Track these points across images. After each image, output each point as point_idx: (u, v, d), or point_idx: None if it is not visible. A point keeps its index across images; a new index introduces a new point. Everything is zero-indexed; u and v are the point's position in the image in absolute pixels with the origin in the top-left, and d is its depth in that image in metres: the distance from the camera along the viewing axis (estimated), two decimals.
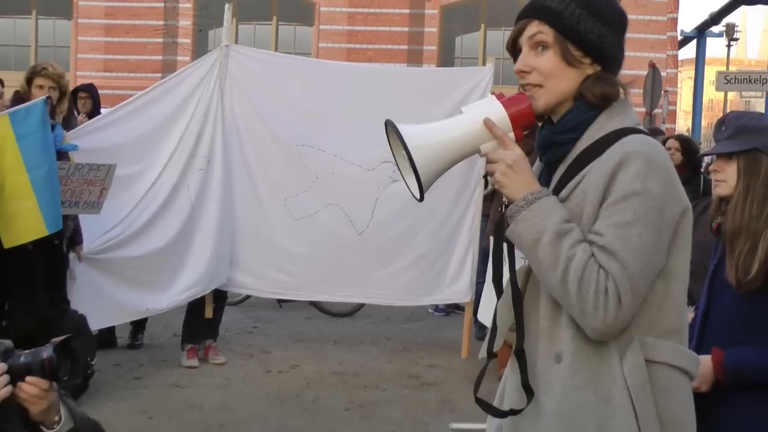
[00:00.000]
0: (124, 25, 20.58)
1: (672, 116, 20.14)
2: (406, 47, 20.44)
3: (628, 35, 1.80)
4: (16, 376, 1.96)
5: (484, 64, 7.13)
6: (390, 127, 1.68)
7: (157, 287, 5.80)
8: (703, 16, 24.18)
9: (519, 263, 1.77)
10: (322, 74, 6.59)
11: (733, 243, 2.30)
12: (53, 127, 4.90)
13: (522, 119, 1.71)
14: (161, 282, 5.81)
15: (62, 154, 5.06)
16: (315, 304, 7.53)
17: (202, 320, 6.02)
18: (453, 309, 7.81)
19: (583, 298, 1.59)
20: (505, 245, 1.76)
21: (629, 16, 1.82)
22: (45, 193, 4.65)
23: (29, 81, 5.13)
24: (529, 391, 1.70)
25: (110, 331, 6.22)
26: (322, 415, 5.00)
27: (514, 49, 1.80)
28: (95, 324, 5.28)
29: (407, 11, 20.53)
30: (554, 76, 1.72)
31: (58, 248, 5.17)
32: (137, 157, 5.75)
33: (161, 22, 19.76)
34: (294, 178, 6.18)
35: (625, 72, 1.80)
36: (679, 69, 23.74)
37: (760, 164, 2.31)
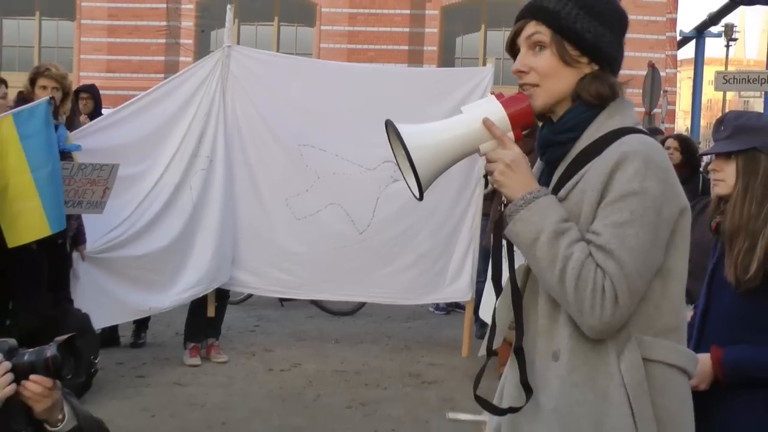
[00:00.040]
0: (127, 26, 20.61)
1: (671, 116, 20.13)
2: (406, 48, 20.45)
3: (628, 35, 1.81)
4: (20, 374, 1.97)
5: (484, 64, 7.15)
6: (390, 127, 1.69)
7: (160, 286, 5.82)
8: (702, 17, 24.16)
9: (519, 262, 1.78)
10: (324, 75, 6.62)
11: (731, 242, 2.30)
12: (56, 128, 4.94)
13: (521, 119, 1.71)
14: (164, 281, 5.83)
15: (65, 154, 5.10)
16: (316, 303, 7.55)
17: (205, 319, 6.04)
18: (454, 308, 7.82)
19: (581, 297, 1.60)
20: (504, 244, 1.77)
21: (628, 17, 1.83)
22: (48, 193, 4.67)
23: (33, 82, 5.14)
24: (527, 388, 1.70)
25: (113, 329, 6.24)
26: (323, 413, 5.01)
27: (513, 49, 1.81)
28: (98, 323, 5.30)
29: (408, 12, 20.55)
30: (552, 75, 1.73)
31: (61, 248, 5.19)
32: (140, 157, 5.78)
33: (163, 23, 19.79)
34: (295, 178, 6.20)
35: (625, 72, 1.81)
36: (678, 69, 23.71)
37: (758, 163, 2.31)
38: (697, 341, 2.37)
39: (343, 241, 6.23)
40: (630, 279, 1.59)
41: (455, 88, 6.16)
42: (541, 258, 1.63)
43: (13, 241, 4.61)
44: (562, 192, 1.71)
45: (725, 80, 12.99)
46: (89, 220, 5.44)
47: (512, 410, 1.74)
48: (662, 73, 16.03)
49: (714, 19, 22.10)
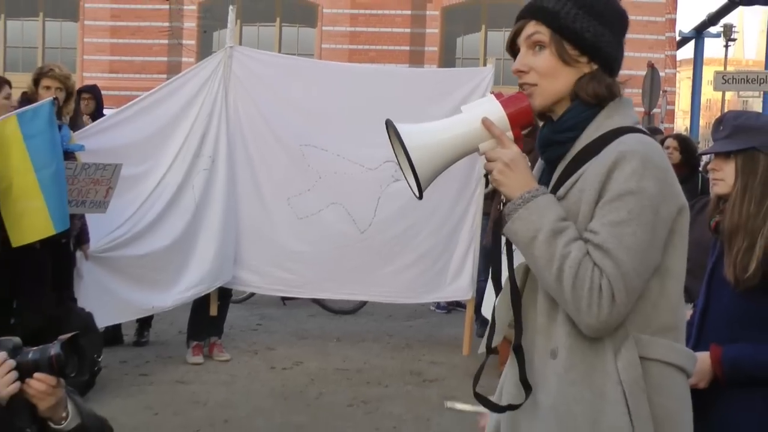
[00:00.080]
0: (130, 27, 20.65)
1: (670, 116, 20.15)
2: (407, 48, 20.46)
3: (627, 36, 1.81)
4: (24, 372, 1.98)
5: (484, 64, 7.18)
6: (390, 127, 1.69)
7: (163, 285, 5.84)
8: (701, 17, 24.15)
9: (519, 260, 1.77)
10: (325, 75, 6.64)
11: (731, 241, 2.31)
12: (60, 128, 4.94)
13: (520, 118, 1.71)
14: (166, 280, 5.85)
15: (69, 154, 5.11)
16: (318, 302, 7.56)
17: (207, 318, 6.06)
18: (454, 306, 7.83)
19: (578, 296, 1.60)
20: (504, 242, 1.77)
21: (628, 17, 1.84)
22: (52, 193, 4.69)
23: (36, 82, 5.15)
24: (527, 386, 1.71)
25: (117, 328, 6.26)
26: (325, 411, 5.03)
27: (513, 49, 1.81)
28: (102, 321, 5.32)
29: (409, 13, 20.57)
30: (551, 75, 1.73)
31: (65, 247, 5.20)
32: (143, 157, 5.79)
33: (166, 24, 19.82)
34: (297, 178, 6.22)
35: (624, 72, 1.82)
36: (678, 69, 23.67)
37: (757, 163, 2.32)
38: (696, 340, 2.37)
39: (345, 241, 6.25)
40: (627, 278, 1.60)
41: (456, 89, 6.16)
42: (538, 257, 1.64)
43: (18, 240, 4.63)
44: (561, 191, 1.71)
45: (724, 80, 13.01)
46: (93, 220, 5.45)
47: (511, 407, 1.75)
48: (661, 73, 16.03)
49: (713, 19, 22.15)
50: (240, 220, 6.24)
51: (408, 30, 20.56)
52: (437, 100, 5.96)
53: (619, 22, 1.78)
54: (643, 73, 14.48)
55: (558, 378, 1.68)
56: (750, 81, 13.10)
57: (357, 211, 6.24)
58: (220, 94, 6.06)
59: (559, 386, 1.67)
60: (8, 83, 5.14)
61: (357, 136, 6.12)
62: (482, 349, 1.84)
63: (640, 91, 14.10)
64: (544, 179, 1.80)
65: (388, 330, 7.21)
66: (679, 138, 5.89)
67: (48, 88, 5.11)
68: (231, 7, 6.29)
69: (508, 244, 1.76)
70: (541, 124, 1.85)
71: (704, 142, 26.83)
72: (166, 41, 19.65)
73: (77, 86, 5.91)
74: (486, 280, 5.99)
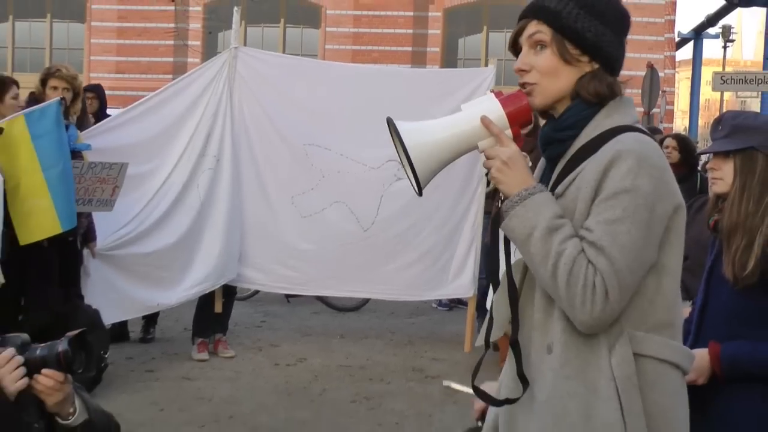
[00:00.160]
0: (136, 28, 20.72)
1: (669, 116, 20.18)
2: (410, 49, 20.49)
3: (627, 36, 1.83)
4: (32, 368, 2.01)
5: (486, 65, 7.21)
6: (390, 125, 1.71)
7: (168, 283, 5.87)
8: (700, 18, 24.14)
9: (517, 256, 1.79)
10: (329, 75, 6.67)
11: (729, 239, 2.32)
12: (67, 127, 4.98)
13: (519, 117, 1.73)
14: (172, 278, 5.88)
15: (76, 154, 5.15)
16: (322, 299, 7.57)
17: (212, 315, 6.08)
18: (456, 304, 7.83)
19: (572, 292, 1.61)
20: (502, 239, 1.79)
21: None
22: (60, 192, 4.74)
23: (44, 82, 5.17)
24: (524, 380, 1.73)
25: (123, 325, 6.27)
26: (328, 407, 5.05)
27: (515, 48, 1.82)
28: (108, 318, 5.35)
29: (411, 14, 20.60)
30: (552, 74, 1.75)
31: (72, 245, 5.24)
32: (148, 156, 5.83)
33: (172, 25, 19.86)
34: (301, 177, 6.24)
35: (624, 72, 1.83)
36: (677, 70, 23.66)
37: (756, 162, 2.33)
38: (695, 337, 2.40)
39: (348, 239, 6.27)
40: (620, 275, 1.61)
41: (458, 89, 6.18)
42: (534, 253, 1.65)
43: (25, 238, 4.68)
44: (560, 188, 1.73)
45: (723, 81, 12.99)
46: (99, 218, 5.49)
47: (508, 401, 1.77)
48: (661, 74, 16.06)
49: (712, 20, 22.16)
50: (244, 219, 6.27)
51: (410, 31, 20.60)
52: (439, 100, 5.97)
53: (621, 22, 1.79)
54: (643, 73, 14.52)
55: (553, 373, 1.69)
56: (748, 81, 13.09)
57: (360, 209, 6.26)
58: (225, 94, 6.09)
59: (555, 381, 1.69)
60: (16, 83, 5.17)
61: (360, 136, 6.15)
62: (480, 342, 1.86)
63: (640, 91, 14.15)
64: (545, 177, 1.82)
65: (391, 327, 7.21)
66: (678, 138, 5.92)
67: (55, 88, 5.13)
68: (236, 9, 6.34)
69: (506, 240, 1.77)
70: (543, 122, 1.87)
71: (703, 141, 26.78)
72: (171, 42, 19.69)
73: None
74: (487, 278, 6.03)
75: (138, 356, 5.97)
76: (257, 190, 6.30)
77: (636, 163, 1.63)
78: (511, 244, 1.76)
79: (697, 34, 23.24)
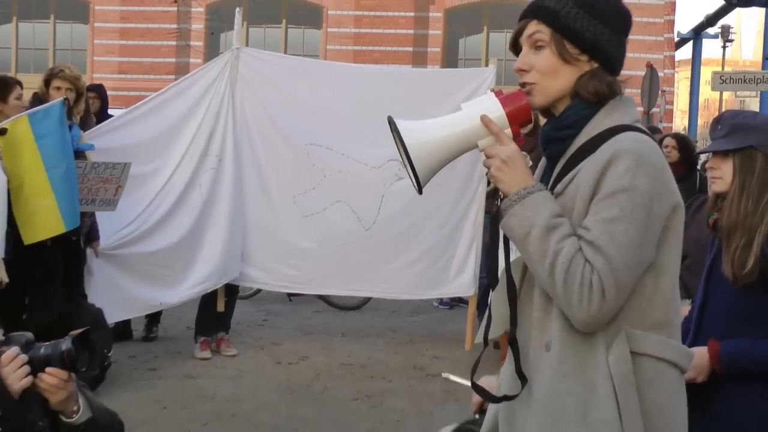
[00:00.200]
0: (139, 29, 20.76)
1: (669, 115, 20.22)
2: (411, 49, 20.52)
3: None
4: (36, 367, 2.03)
5: (486, 65, 7.23)
6: (391, 124, 1.71)
7: (170, 282, 5.89)
8: (699, 18, 24.17)
9: (516, 255, 1.79)
10: (330, 76, 6.70)
11: (729, 238, 2.32)
12: (70, 128, 4.99)
13: (519, 116, 1.73)
14: (174, 277, 5.90)
15: (79, 154, 5.16)
16: (323, 298, 7.59)
17: (215, 313, 6.10)
18: (457, 302, 7.83)
19: (569, 291, 1.62)
20: (501, 238, 1.79)
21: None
22: (63, 192, 4.76)
23: (47, 83, 5.19)
24: (522, 378, 1.74)
25: (126, 324, 6.27)
26: (330, 405, 5.06)
27: (516, 48, 1.83)
28: (111, 317, 5.37)
29: (412, 14, 20.63)
30: (551, 73, 1.75)
31: (75, 244, 5.26)
32: (151, 156, 5.85)
33: (174, 26, 19.87)
34: (303, 176, 6.26)
35: (624, 72, 1.83)
36: (676, 69, 23.69)
37: (755, 161, 2.33)
38: (694, 335, 2.41)
39: (350, 238, 6.29)
40: (617, 274, 1.61)
41: (458, 89, 6.19)
42: (532, 252, 1.66)
43: (29, 238, 4.70)
44: (559, 187, 1.73)
45: (722, 80, 12.98)
46: (102, 218, 5.51)
47: (507, 398, 1.78)
48: (660, 74, 16.09)
49: (711, 20, 22.17)
50: (247, 218, 6.28)
51: (411, 31, 20.63)
52: (440, 100, 5.96)
53: (621, 21, 1.79)
54: (643, 73, 14.55)
55: (551, 370, 1.70)
56: (747, 81, 13.07)
57: (361, 209, 6.27)
58: (227, 95, 6.10)
59: (553, 378, 1.70)
60: (20, 84, 5.17)
61: (361, 136, 6.16)
62: (479, 339, 1.87)
63: (639, 91, 14.20)
64: (546, 176, 1.83)
65: (392, 325, 7.22)
66: (678, 137, 5.95)
67: (58, 88, 5.15)
68: (238, 9, 6.37)
69: (506, 239, 1.78)
70: (543, 121, 1.88)
71: (702, 141, 26.76)
72: (174, 43, 19.71)
73: None
74: (488, 276, 6.04)
75: (141, 355, 5.99)
76: (259, 189, 6.32)
77: (634, 162, 1.64)
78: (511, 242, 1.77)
79: (697, 34, 23.24)
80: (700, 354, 2.28)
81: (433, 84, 6.61)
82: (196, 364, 5.80)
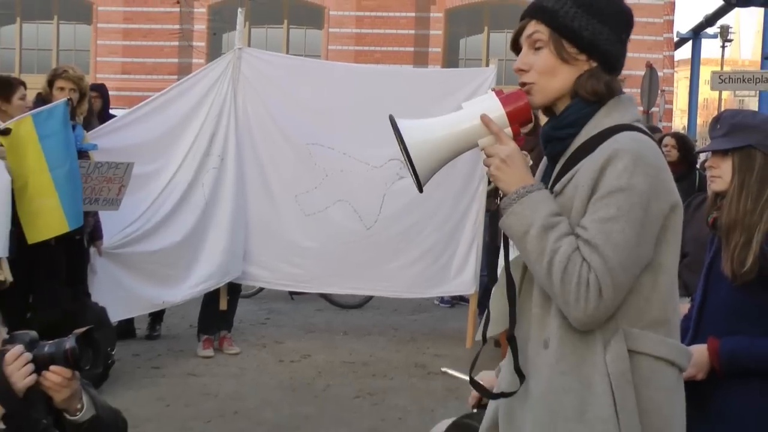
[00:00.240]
0: (142, 30, 20.79)
1: (668, 115, 20.23)
2: (412, 49, 20.53)
3: None
4: (40, 365, 2.03)
5: (487, 65, 7.25)
6: (392, 123, 1.72)
7: (173, 281, 5.91)
8: (698, 18, 24.15)
9: (516, 253, 1.80)
10: (331, 76, 6.71)
11: (728, 237, 2.33)
12: (74, 128, 5.00)
13: (519, 116, 1.74)
14: (177, 276, 5.92)
15: (82, 153, 5.17)
16: (325, 297, 7.60)
17: (217, 312, 6.12)
18: (458, 301, 7.85)
19: (566, 290, 1.63)
20: (501, 236, 1.81)
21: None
22: (67, 191, 4.77)
23: (51, 83, 5.20)
24: (521, 374, 1.75)
25: (129, 322, 6.30)
26: (332, 403, 5.08)
27: (516, 48, 1.84)
28: (115, 316, 5.39)
29: (413, 15, 20.65)
30: (550, 73, 1.76)
31: (79, 244, 5.26)
32: (154, 155, 5.87)
33: (177, 27, 19.87)
34: (304, 176, 6.28)
35: (623, 72, 1.84)
36: (675, 69, 23.68)
37: (754, 160, 2.34)
38: (694, 333, 2.42)
39: (351, 237, 6.31)
40: (614, 273, 1.62)
41: (459, 88, 6.19)
42: (531, 251, 1.67)
43: (33, 237, 4.71)
44: (558, 186, 1.74)
45: (721, 80, 12.97)
46: (106, 217, 5.52)
47: (504, 395, 1.79)
48: (660, 74, 16.10)
49: (710, 20, 22.18)
50: (249, 217, 6.30)
51: (412, 31, 20.64)
52: (440, 100, 5.96)
53: (621, 20, 1.80)
54: (642, 73, 14.56)
55: (549, 368, 1.71)
56: (746, 80, 13.05)
57: (363, 208, 6.29)
58: (229, 95, 6.13)
59: (550, 376, 1.71)
60: (23, 84, 5.17)
61: (362, 135, 6.17)
62: (478, 336, 1.88)
63: (639, 90, 14.22)
64: (546, 175, 1.83)
65: (394, 324, 7.23)
66: (677, 136, 5.97)
67: (62, 89, 5.16)
68: (240, 10, 6.37)
69: (506, 237, 1.80)
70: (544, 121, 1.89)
71: (701, 140, 26.76)
72: (176, 43, 19.73)
73: None
74: (488, 275, 6.07)
75: (144, 353, 6.01)
76: (261, 189, 6.34)
77: (632, 161, 1.64)
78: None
79: (696, 33, 23.26)
80: (700, 351, 2.29)
81: (434, 84, 6.64)
82: (199, 362, 5.82)
